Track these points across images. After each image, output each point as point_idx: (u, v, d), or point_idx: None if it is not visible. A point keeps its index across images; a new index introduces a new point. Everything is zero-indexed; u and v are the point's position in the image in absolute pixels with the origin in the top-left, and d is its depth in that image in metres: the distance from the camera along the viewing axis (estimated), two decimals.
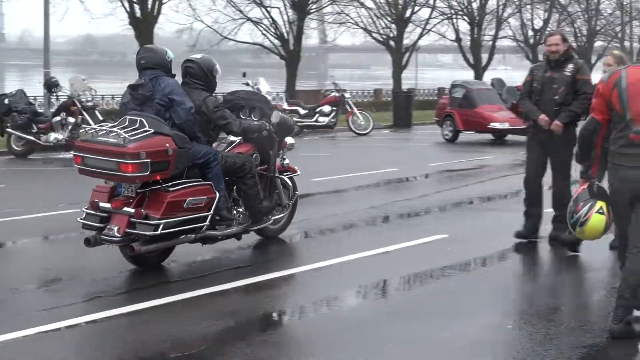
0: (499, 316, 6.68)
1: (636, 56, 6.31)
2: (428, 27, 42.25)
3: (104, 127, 7.81)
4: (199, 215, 7.79)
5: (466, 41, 45.46)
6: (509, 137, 22.15)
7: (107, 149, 7.45)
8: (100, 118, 17.77)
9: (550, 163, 9.01)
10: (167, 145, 7.48)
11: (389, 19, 41.11)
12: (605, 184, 6.42)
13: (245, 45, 41.17)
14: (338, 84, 25.83)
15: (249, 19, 38.07)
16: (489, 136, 22.28)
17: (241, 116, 8.88)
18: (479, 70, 43.65)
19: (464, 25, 45.52)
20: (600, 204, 6.38)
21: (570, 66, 8.76)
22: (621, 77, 5.97)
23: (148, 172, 7.39)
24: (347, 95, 25.02)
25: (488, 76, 36.71)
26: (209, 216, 7.90)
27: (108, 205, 7.62)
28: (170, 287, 7.48)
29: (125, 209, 7.48)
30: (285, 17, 38.11)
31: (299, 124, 23.50)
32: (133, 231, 7.42)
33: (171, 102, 7.79)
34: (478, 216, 11.27)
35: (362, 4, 40.96)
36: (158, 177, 7.54)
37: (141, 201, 7.59)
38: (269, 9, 38.26)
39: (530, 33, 49.45)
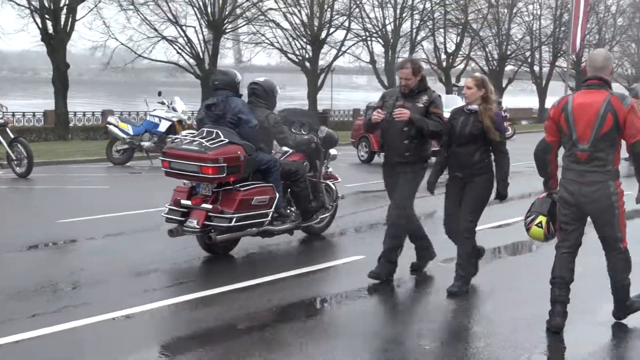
0: (415, 337, 6.70)
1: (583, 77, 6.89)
2: (343, 48, 42.69)
3: (187, 137, 9.37)
4: (263, 211, 9.34)
5: (380, 63, 46.06)
6: None
7: (190, 154, 8.99)
8: (12, 136, 17.37)
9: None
10: (239, 152, 9.04)
11: (305, 40, 41.39)
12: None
13: (161, 64, 40.86)
14: None
15: (164, 38, 37.87)
16: None
17: (293, 130, 10.41)
18: None
19: (378, 48, 46.23)
20: (540, 219, 6.97)
21: (425, 98, 8.27)
22: (568, 102, 6.63)
23: (224, 174, 8.93)
24: None
25: None
26: (271, 213, 9.41)
27: (188, 202, 9.21)
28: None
29: (204, 205, 9.08)
30: (200, 36, 38.05)
31: None
32: (210, 223, 8.99)
33: (239, 120, 9.29)
34: None
35: (278, 25, 41.16)
36: (232, 179, 9.08)
37: (216, 199, 9.15)
38: (184, 27, 38.15)
39: (443, 56, 50.32)
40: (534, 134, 40.31)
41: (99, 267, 8.99)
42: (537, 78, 57.14)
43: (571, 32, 48.48)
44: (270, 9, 40.51)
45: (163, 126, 20.36)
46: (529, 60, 55.95)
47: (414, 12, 46.69)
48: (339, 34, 43.80)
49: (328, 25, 41.57)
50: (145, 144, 20.21)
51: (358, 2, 43.54)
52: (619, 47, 64.58)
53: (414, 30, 46.92)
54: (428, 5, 47.16)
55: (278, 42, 41.89)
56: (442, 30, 50.14)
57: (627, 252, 6.71)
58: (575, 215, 6.66)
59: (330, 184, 11.06)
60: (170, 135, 20.13)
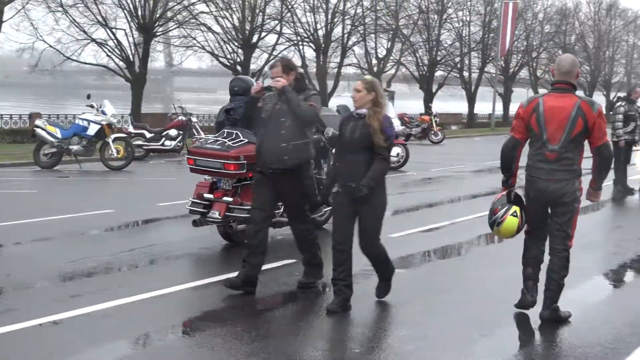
0: (346, 341, 6.72)
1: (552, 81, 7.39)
2: (275, 52, 42.59)
3: (210, 137, 10.47)
4: None
5: (312, 67, 46.14)
6: None
7: (215, 153, 9.93)
8: None
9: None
10: None
11: (236, 44, 41.25)
12: (520, 191, 7.35)
13: (90, 67, 40.33)
14: (185, 108, 25.59)
15: (94, 40, 37.38)
16: None
17: None
18: (324, 96, 44.26)
19: (310, 52, 46.28)
20: (514, 208, 7.26)
21: (301, 97, 7.98)
22: (539, 104, 7.09)
23: (244, 170, 9.85)
24: (193, 119, 24.83)
25: (333, 102, 37.27)
26: (281, 205, 9.74)
27: (210, 195, 10.21)
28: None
29: (225, 198, 10.10)
30: (130, 39, 37.64)
31: (144, 147, 23.14)
32: (231, 214, 10.01)
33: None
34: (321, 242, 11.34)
35: (209, 29, 40.95)
36: (250, 175, 9.66)
37: (235, 192, 10.17)
38: (114, 30, 37.68)
39: (374, 61, 50.66)
40: (464, 138, 40.87)
41: (25, 272, 8.80)
42: (466, 83, 57.85)
43: (500, 39, 49.80)
44: (202, 12, 40.27)
45: (92, 130, 20.11)
46: (459, 65, 56.61)
47: (346, 17, 46.90)
48: (271, 38, 43.84)
49: (260, 29, 41.52)
50: (74, 147, 19.93)
51: (290, 7, 43.60)
52: (546, 53, 65.76)
53: (345, 35, 47.11)
54: (359, 10, 47.43)
55: (209, 46, 41.65)
56: (373, 35, 50.48)
57: (569, 251, 7.17)
58: (540, 212, 7.24)
59: None
60: (95, 139, 20.02)
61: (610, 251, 10.86)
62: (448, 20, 55.17)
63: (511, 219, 7.22)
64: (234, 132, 10.12)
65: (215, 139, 10.22)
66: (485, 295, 8.18)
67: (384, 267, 7.84)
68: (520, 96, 74.27)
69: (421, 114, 38.96)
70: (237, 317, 7.32)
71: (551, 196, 7.09)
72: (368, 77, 8.03)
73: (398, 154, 21.27)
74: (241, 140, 10.00)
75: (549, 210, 7.21)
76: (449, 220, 12.95)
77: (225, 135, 10.16)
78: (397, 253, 10.35)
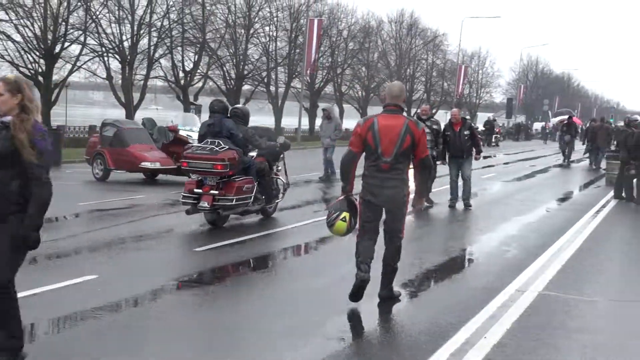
0: (151, 356, 6.70)
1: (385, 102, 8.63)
2: (79, 63, 41.54)
3: (200, 145, 13.63)
4: (248, 195, 13.72)
5: (118, 79, 45.31)
6: (160, 176, 22.24)
7: (205, 156, 13.32)
8: None
9: None
10: (236, 155, 13.46)
11: (37, 53, 39.91)
12: (356, 197, 8.63)
13: None
14: None
15: None
16: (140, 175, 22.16)
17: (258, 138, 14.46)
18: (130, 109, 43.60)
19: (115, 64, 45.38)
20: (344, 214, 8.53)
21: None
22: (374, 123, 8.36)
23: (228, 170, 13.29)
24: None
25: (139, 115, 36.77)
26: (252, 197, 13.81)
27: (199, 190, 13.31)
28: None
29: (211, 191, 13.22)
30: None
31: None
32: (217, 204, 13.19)
33: (231, 134, 13.65)
34: (129, 256, 11.25)
35: (9, 37, 39.42)
36: (231, 173, 13.40)
37: (218, 187, 13.31)
38: None
39: (181, 74, 50.34)
40: None
41: None
42: (273, 98, 58.50)
43: (305, 54, 50.67)
44: (1, 20, 38.80)
45: None
46: (266, 80, 57.19)
47: (152, 30, 46.35)
48: (75, 49, 42.67)
49: (62, 39, 40.35)
50: None
51: (94, 17, 42.61)
52: (350, 70, 67.51)
53: (152, 47, 46.55)
54: (166, 22, 47.01)
55: (9, 55, 40.08)
56: (180, 48, 50.14)
57: (400, 243, 8.60)
58: (376, 213, 8.49)
59: (281, 178, 15.46)
60: None
61: (409, 262, 11.33)
62: (255, 35, 55.64)
63: (340, 223, 8.52)
64: (216, 141, 13.44)
65: (204, 146, 13.48)
66: (288, 306, 8.37)
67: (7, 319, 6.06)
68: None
69: None
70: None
71: (385, 199, 8.38)
72: (11, 75, 6.34)
73: None
74: (223, 147, 13.37)
75: (383, 211, 8.48)
76: (256, 234, 13.15)
77: (209, 143, 13.46)
78: (201, 267, 10.46)
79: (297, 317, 8.02)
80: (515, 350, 7.13)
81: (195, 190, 13.26)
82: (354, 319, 8.17)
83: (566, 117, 44.79)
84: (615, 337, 7.90)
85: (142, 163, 21.24)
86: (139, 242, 12.34)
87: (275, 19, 57.32)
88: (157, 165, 21.34)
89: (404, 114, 8.58)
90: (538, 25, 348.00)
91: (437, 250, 12.44)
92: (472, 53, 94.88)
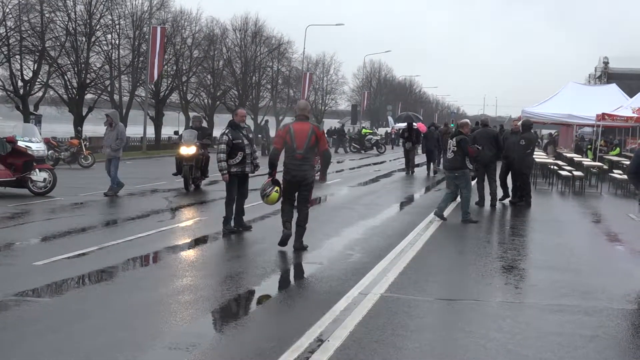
0: None
1: (298, 111, 12.87)
2: None
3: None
4: None
5: None
6: None
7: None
8: None
9: None
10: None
11: None
12: (279, 177, 12.69)
13: None
14: None
15: None
16: None
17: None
18: None
19: None
20: (276, 187, 12.84)
21: None
22: (290, 127, 12.57)
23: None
24: None
25: None
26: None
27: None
28: None
29: None
30: None
31: None
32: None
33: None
34: None
35: None
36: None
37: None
38: None
39: (20, 83, 48.78)
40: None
41: None
42: (117, 107, 57.46)
43: (149, 63, 49.96)
44: None
45: None
46: (109, 89, 56.08)
47: None
48: None
49: None
50: None
51: None
52: (195, 77, 67.16)
53: None
54: (2, 30, 45.49)
55: None
56: (18, 56, 48.60)
57: (308, 210, 12.78)
58: (293, 188, 12.62)
59: None
60: None
61: (252, 272, 11.36)
62: (97, 43, 54.45)
63: (274, 194, 12.82)
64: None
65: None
66: (129, 318, 8.26)
67: None
68: (172, 119, 75.15)
69: (71, 138, 38.16)
70: None
71: (299, 179, 12.52)
72: None
73: (45, 179, 20.69)
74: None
75: (298, 187, 12.56)
76: (97, 245, 12.84)
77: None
78: (41, 281, 10.16)
79: (138, 328, 7.91)
80: (357, 352, 7.27)
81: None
82: (199, 326, 8.13)
83: (405, 124, 40.25)
84: (449, 333, 8.16)
85: None
86: None
87: (117, 26, 56.35)
88: None
89: (309, 121, 12.78)
90: (380, 33, 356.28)
91: (283, 256, 12.53)
92: (317, 60, 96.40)
